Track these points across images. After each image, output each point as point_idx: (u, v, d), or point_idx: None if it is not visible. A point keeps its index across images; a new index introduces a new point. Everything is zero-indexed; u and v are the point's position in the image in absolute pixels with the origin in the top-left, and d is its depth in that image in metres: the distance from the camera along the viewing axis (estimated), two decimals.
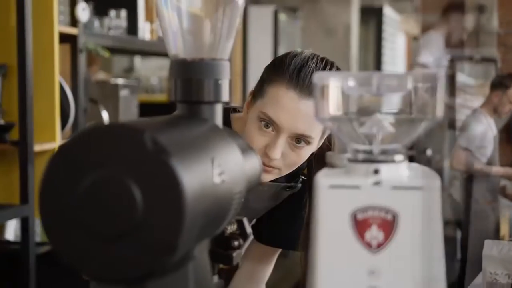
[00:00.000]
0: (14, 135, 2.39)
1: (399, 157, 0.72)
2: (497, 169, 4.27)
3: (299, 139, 1.25)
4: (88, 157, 0.63)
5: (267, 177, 1.29)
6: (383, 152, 0.72)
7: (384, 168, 0.70)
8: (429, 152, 4.34)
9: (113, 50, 3.19)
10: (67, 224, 0.63)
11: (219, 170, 0.70)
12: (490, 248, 1.95)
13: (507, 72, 4.34)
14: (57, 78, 2.50)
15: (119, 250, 0.62)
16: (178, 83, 0.82)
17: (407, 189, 0.68)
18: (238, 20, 0.85)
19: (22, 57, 2.36)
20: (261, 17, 5.28)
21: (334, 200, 0.69)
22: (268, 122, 1.24)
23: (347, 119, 0.73)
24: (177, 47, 0.83)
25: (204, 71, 0.81)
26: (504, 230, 4.45)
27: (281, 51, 6.62)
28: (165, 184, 0.61)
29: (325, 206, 0.69)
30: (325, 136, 1.32)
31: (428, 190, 0.68)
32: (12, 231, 2.61)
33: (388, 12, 7.56)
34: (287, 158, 1.26)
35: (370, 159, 0.71)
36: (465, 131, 4.15)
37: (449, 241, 4.02)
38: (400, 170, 0.71)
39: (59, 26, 2.55)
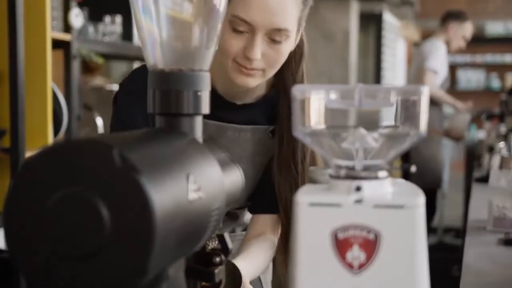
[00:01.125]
0: (5, 142, 2.36)
1: (382, 173, 0.69)
2: (450, 99, 4.56)
3: (276, 34, 1.20)
4: (55, 174, 0.60)
5: (253, 81, 1.25)
6: (366, 168, 0.69)
7: (367, 185, 0.67)
8: None
9: (109, 56, 3.16)
10: (32, 242, 0.61)
11: (195, 187, 0.68)
12: (497, 178, 1.87)
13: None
14: (50, 84, 2.47)
15: (86, 271, 0.59)
16: (156, 94, 0.79)
17: (390, 208, 0.65)
18: (218, 29, 0.83)
19: (14, 63, 2.33)
20: None
21: (314, 219, 0.66)
22: (240, 25, 1.20)
23: (329, 134, 0.70)
24: (156, 57, 0.80)
25: (183, 82, 0.79)
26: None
27: None
28: (133, 202, 0.58)
29: (304, 225, 0.66)
30: (302, 29, 1.30)
31: (412, 208, 0.65)
32: (2, 239, 2.58)
33: (388, 18, 7.53)
34: (267, 57, 1.23)
35: (352, 175, 0.68)
36: (432, 54, 4.32)
37: None
38: (383, 187, 0.68)
39: (52, 32, 2.53)
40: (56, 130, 2.56)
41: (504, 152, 2.98)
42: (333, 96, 0.68)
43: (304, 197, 0.67)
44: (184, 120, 0.79)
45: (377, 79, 7.54)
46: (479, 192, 2.56)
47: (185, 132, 0.78)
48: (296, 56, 1.33)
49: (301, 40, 1.34)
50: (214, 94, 1.30)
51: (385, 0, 6.25)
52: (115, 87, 3.12)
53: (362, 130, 0.70)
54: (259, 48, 1.20)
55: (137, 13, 0.80)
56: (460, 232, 5.07)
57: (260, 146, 1.37)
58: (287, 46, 1.24)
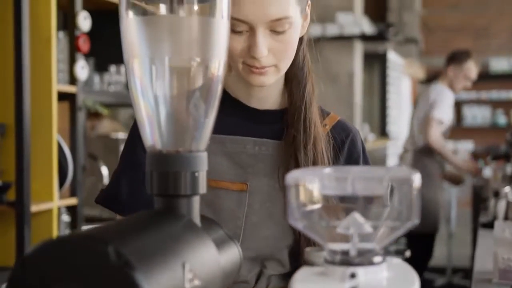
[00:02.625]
0: (11, 195, 2.37)
1: (377, 258, 0.69)
2: (454, 159, 4.47)
3: (277, 25, 1.12)
4: (51, 270, 0.61)
5: (267, 79, 1.16)
6: (361, 253, 0.69)
7: (361, 272, 0.67)
8: None
9: (114, 105, 3.19)
10: None
11: (190, 275, 0.68)
12: (501, 229, 1.84)
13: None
14: (55, 137, 2.50)
15: None
16: (154, 175, 0.80)
17: None
18: (215, 109, 0.84)
19: (20, 116, 2.36)
20: None
21: None
22: (238, 25, 1.12)
23: (323, 219, 0.70)
24: (154, 139, 0.82)
25: (181, 164, 0.80)
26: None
27: None
28: None
29: None
30: (308, 9, 1.21)
31: None
32: None
33: (392, 56, 7.59)
34: (275, 51, 1.14)
35: (347, 261, 0.69)
36: (439, 102, 4.29)
37: None
38: (378, 273, 0.68)
39: (58, 84, 2.56)
40: (61, 182, 2.58)
41: (510, 197, 2.96)
42: (326, 183, 0.69)
43: (300, 284, 0.67)
44: (181, 201, 0.79)
45: (383, 118, 7.56)
46: (485, 239, 2.55)
47: (182, 214, 0.79)
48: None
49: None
50: (235, 102, 1.25)
51: (388, 39, 6.29)
52: (121, 135, 3.15)
53: (357, 215, 0.70)
54: (263, 45, 1.12)
55: (135, 95, 0.81)
56: (469, 273, 5.03)
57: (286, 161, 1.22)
58: (294, 34, 1.15)
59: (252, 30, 1.12)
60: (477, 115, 10.18)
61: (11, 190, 2.37)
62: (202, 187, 0.81)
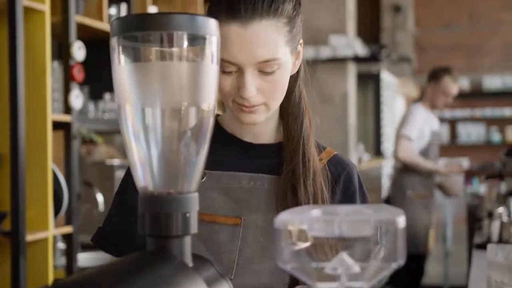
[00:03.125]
0: (6, 225, 2.38)
1: None
2: (429, 164, 4.37)
3: (265, 66, 1.12)
4: None
5: (257, 117, 1.17)
6: None
7: None
8: None
9: (109, 132, 3.21)
10: None
11: None
12: (494, 253, 1.84)
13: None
14: (50, 166, 2.51)
15: None
16: (146, 216, 0.82)
17: None
18: (206, 150, 0.86)
19: (15, 146, 2.38)
20: None
21: None
22: (227, 66, 1.13)
23: (311, 261, 0.72)
24: (146, 180, 0.83)
25: (172, 205, 0.81)
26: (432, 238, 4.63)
27: None
28: None
29: None
30: (300, 47, 1.22)
31: None
32: None
33: (386, 76, 7.64)
34: (264, 90, 1.15)
35: None
36: (408, 120, 4.34)
37: None
38: None
39: (53, 114, 2.58)
40: (57, 210, 2.59)
41: (504, 217, 2.98)
42: (314, 225, 0.71)
43: None
44: (173, 242, 0.81)
45: (377, 137, 7.59)
46: (479, 261, 2.56)
47: (173, 255, 0.80)
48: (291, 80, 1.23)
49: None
50: (230, 137, 1.26)
51: (381, 60, 6.35)
52: (116, 161, 3.16)
53: (345, 256, 0.72)
54: (252, 85, 1.13)
55: (127, 138, 0.83)
56: None
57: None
58: (283, 74, 1.16)
59: (240, 71, 1.13)
60: (471, 133, 10.24)
61: (6, 220, 2.38)
62: (194, 227, 0.82)
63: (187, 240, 0.82)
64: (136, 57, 0.82)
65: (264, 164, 1.25)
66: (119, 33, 0.80)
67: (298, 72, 1.26)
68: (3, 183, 2.42)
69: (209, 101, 0.84)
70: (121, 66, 0.81)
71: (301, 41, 1.23)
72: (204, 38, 0.81)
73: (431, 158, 4.50)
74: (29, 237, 2.41)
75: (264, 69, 1.13)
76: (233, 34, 1.11)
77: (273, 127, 1.27)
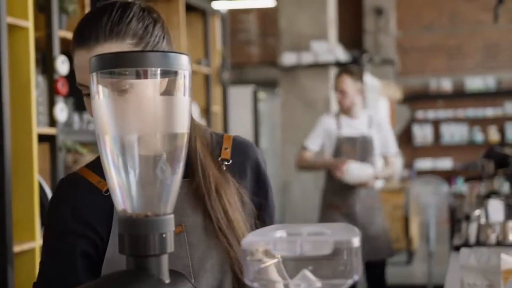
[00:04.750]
0: None
1: None
2: (320, 161, 4.09)
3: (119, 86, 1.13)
4: None
5: None
6: None
7: None
8: None
9: (94, 143, 3.27)
10: None
11: None
12: (467, 256, 1.91)
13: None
14: (36, 178, 2.56)
15: None
16: (125, 237, 0.88)
17: None
18: (180, 173, 0.92)
19: (1, 159, 2.42)
20: (241, 96, 5.41)
21: None
22: (83, 89, 1.19)
23: (276, 278, 0.79)
24: (125, 204, 0.90)
25: (150, 227, 0.88)
26: None
27: (262, 128, 6.77)
28: None
29: None
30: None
31: None
32: None
33: (369, 79, 7.72)
34: None
35: None
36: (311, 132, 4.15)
37: None
38: None
39: (38, 127, 2.63)
40: (43, 221, 2.64)
41: (482, 219, 3.04)
42: (278, 245, 0.78)
43: None
44: (151, 261, 0.88)
45: None
46: (456, 263, 2.64)
47: (151, 273, 0.87)
48: None
49: None
50: None
51: (363, 65, 6.44)
52: None
53: (307, 272, 0.79)
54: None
55: (106, 165, 0.90)
56: None
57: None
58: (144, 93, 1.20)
59: None
60: (454, 133, 10.36)
61: None
62: (170, 246, 0.89)
63: (164, 258, 0.89)
64: (113, 91, 0.89)
65: None
66: (98, 69, 0.87)
67: None
68: None
69: (182, 128, 0.91)
70: (100, 99, 0.87)
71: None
72: (176, 73, 0.88)
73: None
74: (16, 248, 2.46)
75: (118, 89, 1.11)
76: (79, 59, 1.19)
77: None
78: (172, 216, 0.91)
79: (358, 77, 4.10)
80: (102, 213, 1.25)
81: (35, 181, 2.56)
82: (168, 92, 0.89)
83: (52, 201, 1.29)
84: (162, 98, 0.88)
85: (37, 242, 2.58)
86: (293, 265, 0.80)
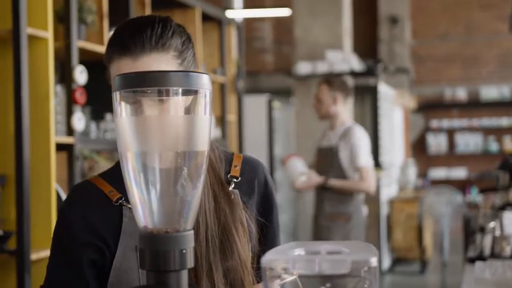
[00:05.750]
0: (11, 244, 2.46)
1: None
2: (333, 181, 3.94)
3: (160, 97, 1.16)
4: None
5: None
6: None
7: None
8: None
9: (111, 151, 3.30)
10: None
11: None
12: (482, 270, 1.92)
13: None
14: (54, 186, 2.59)
15: None
16: (146, 253, 0.90)
17: None
18: (200, 190, 0.94)
19: (20, 167, 2.46)
20: (256, 105, 5.42)
21: None
22: None
23: None
24: (146, 220, 0.92)
25: (170, 243, 0.90)
26: None
27: (276, 136, 6.78)
28: None
29: None
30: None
31: None
32: None
33: (383, 88, 7.72)
34: None
35: None
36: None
37: None
38: None
39: (56, 136, 2.66)
40: None
41: (497, 232, 3.04)
42: (297, 264, 0.80)
43: None
44: (171, 276, 0.89)
45: (375, 149, 7.67)
46: (470, 275, 2.63)
47: None
48: None
49: None
50: None
51: (378, 74, 6.44)
52: None
53: None
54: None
55: (128, 182, 0.92)
56: None
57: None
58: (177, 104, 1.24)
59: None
60: (469, 142, 10.32)
61: (11, 239, 2.46)
62: (190, 262, 0.91)
63: (184, 273, 0.91)
64: (136, 110, 0.90)
65: None
66: (121, 88, 0.89)
67: None
68: (8, 204, 2.51)
69: (202, 145, 0.92)
70: (123, 117, 0.89)
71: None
72: (197, 91, 0.90)
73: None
74: (34, 256, 2.49)
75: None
76: (124, 67, 1.19)
77: None
78: (192, 232, 0.92)
79: (337, 87, 4.04)
80: (111, 222, 1.26)
81: (53, 190, 2.59)
82: (189, 110, 0.90)
83: (62, 207, 1.31)
84: (184, 116, 0.90)
85: None
86: (312, 282, 0.81)
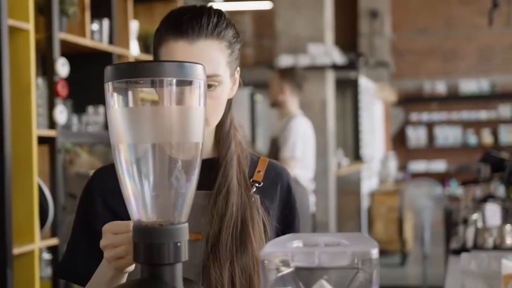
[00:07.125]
0: None
1: None
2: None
3: (208, 80, 1.16)
4: None
5: None
6: None
7: None
8: None
9: (93, 143, 3.27)
10: None
11: None
12: (468, 261, 1.92)
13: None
14: (36, 180, 2.56)
15: None
16: (140, 246, 0.88)
17: None
18: (195, 182, 0.93)
19: (1, 161, 2.42)
20: (238, 99, 5.39)
21: None
22: None
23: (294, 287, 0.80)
24: (139, 213, 0.90)
25: (164, 235, 0.88)
26: None
27: (258, 130, 6.77)
28: None
29: None
30: (237, 75, 1.29)
31: None
32: None
33: (364, 82, 7.74)
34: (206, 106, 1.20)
35: None
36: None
37: None
38: None
39: (38, 129, 2.63)
40: (42, 223, 2.64)
41: (479, 223, 3.06)
42: (296, 256, 0.78)
43: None
44: (165, 269, 0.88)
45: (356, 142, 7.70)
46: (455, 266, 2.64)
47: (166, 281, 0.87)
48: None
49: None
50: None
51: (359, 68, 6.45)
52: None
53: (324, 282, 0.79)
54: None
55: (121, 174, 0.90)
56: None
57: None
58: (223, 92, 1.23)
59: None
60: (448, 136, 10.39)
61: None
62: (184, 255, 0.90)
63: (179, 267, 0.89)
64: (128, 100, 0.89)
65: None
66: (113, 78, 0.87)
67: (231, 100, 1.32)
68: None
69: (196, 137, 0.91)
70: (115, 109, 0.88)
71: (239, 69, 1.31)
72: (191, 83, 0.88)
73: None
74: (16, 250, 2.46)
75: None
76: (179, 50, 1.20)
77: (211, 143, 1.32)
78: (186, 225, 0.91)
79: (286, 78, 4.10)
80: None
81: (35, 183, 2.55)
82: (183, 101, 0.89)
83: (85, 186, 1.32)
84: (177, 107, 0.88)
85: (37, 244, 2.57)
86: (310, 274, 0.80)
